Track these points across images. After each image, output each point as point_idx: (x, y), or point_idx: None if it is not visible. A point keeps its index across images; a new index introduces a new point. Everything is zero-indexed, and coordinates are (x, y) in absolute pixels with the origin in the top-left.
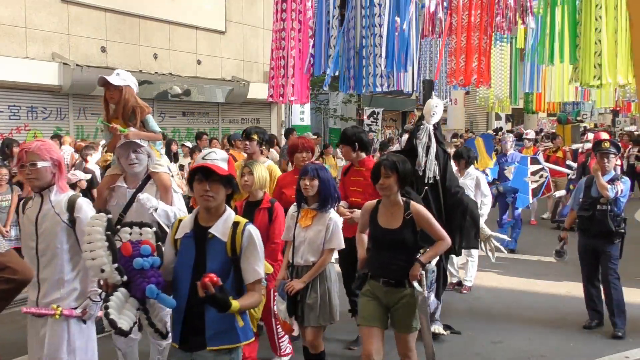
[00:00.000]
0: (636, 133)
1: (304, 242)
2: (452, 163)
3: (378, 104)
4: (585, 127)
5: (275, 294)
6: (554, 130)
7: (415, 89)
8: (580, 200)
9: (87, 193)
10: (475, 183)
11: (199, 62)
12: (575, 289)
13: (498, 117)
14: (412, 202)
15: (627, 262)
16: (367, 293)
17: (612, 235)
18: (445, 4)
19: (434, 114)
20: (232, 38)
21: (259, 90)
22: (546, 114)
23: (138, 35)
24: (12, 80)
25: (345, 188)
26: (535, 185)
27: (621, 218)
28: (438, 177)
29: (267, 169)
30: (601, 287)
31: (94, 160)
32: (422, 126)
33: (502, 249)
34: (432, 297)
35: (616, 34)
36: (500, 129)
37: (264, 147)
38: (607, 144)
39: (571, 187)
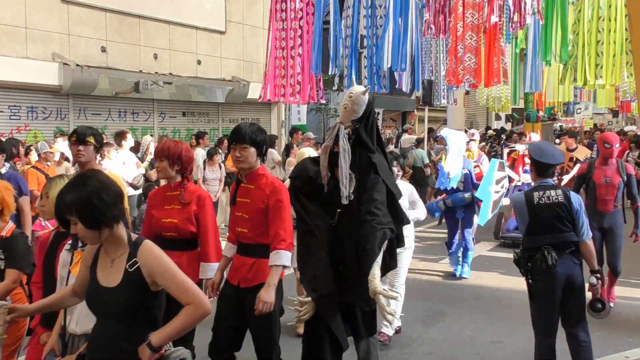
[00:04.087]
0: (631, 133)
1: None
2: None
3: (378, 104)
4: (561, 125)
5: None
6: (521, 129)
7: (416, 88)
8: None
9: None
10: (409, 199)
11: (199, 62)
12: None
13: (498, 117)
14: (145, 243)
15: (626, 262)
16: None
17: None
18: (444, 2)
19: (347, 108)
20: (232, 38)
21: (259, 91)
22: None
23: (138, 35)
24: (12, 80)
25: (231, 214)
26: (496, 196)
27: None
28: (352, 197)
29: None
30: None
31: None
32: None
33: (395, 316)
34: None
35: (609, 34)
36: (502, 129)
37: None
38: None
39: None
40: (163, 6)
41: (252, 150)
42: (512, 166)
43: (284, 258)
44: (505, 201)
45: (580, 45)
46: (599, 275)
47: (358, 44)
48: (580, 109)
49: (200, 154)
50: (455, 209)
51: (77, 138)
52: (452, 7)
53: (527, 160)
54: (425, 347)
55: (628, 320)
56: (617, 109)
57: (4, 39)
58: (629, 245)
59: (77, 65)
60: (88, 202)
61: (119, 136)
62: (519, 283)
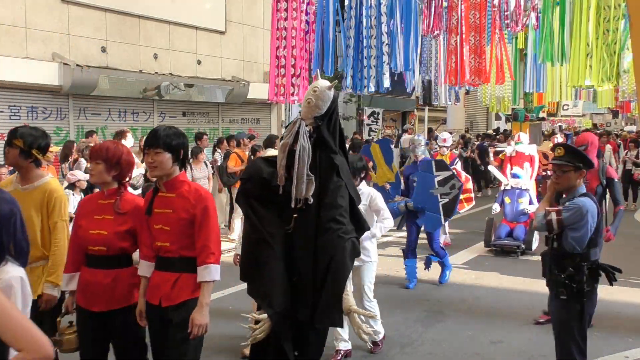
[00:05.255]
0: (621, 132)
1: None
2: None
3: (378, 104)
4: (560, 125)
5: None
6: (506, 128)
7: (416, 88)
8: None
9: (87, 194)
10: (369, 203)
11: (199, 62)
12: None
13: (498, 117)
14: None
15: (626, 262)
16: None
17: None
18: (445, 3)
19: (311, 103)
20: (232, 38)
21: (259, 90)
22: (545, 114)
23: (138, 35)
24: (12, 80)
25: (150, 227)
26: (445, 199)
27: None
28: (310, 201)
29: (41, 189)
30: None
31: None
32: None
33: (372, 329)
34: None
35: (604, 35)
36: (499, 129)
37: (44, 157)
38: (561, 151)
39: (507, 199)
40: (163, 6)
41: (167, 155)
42: (501, 167)
43: (214, 273)
44: (496, 207)
45: (577, 46)
46: None
47: (359, 44)
48: (567, 106)
49: None
50: (416, 214)
51: (6, 138)
52: (453, 7)
53: (526, 164)
54: (425, 347)
55: (628, 320)
56: (617, 109)
57: (4, 39)
58: (629, 245)
59: (77, 65)
60: None
61: (119, 135)
62: (519, 283)
